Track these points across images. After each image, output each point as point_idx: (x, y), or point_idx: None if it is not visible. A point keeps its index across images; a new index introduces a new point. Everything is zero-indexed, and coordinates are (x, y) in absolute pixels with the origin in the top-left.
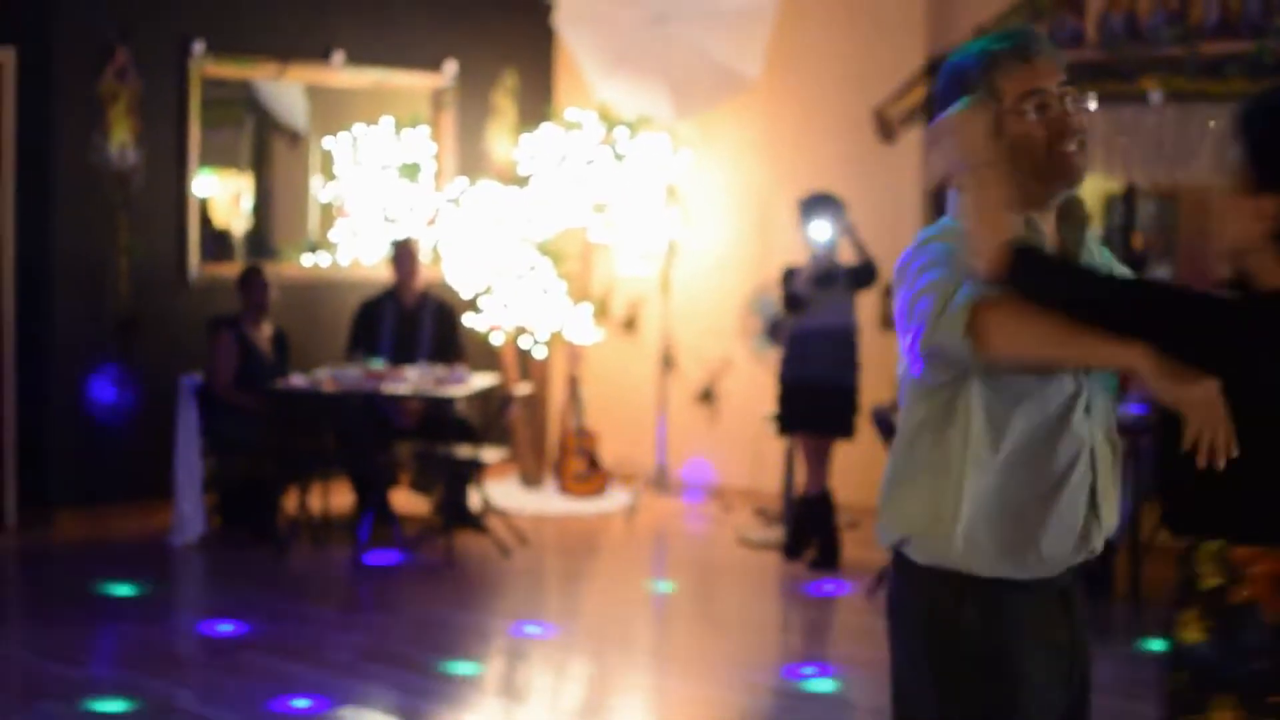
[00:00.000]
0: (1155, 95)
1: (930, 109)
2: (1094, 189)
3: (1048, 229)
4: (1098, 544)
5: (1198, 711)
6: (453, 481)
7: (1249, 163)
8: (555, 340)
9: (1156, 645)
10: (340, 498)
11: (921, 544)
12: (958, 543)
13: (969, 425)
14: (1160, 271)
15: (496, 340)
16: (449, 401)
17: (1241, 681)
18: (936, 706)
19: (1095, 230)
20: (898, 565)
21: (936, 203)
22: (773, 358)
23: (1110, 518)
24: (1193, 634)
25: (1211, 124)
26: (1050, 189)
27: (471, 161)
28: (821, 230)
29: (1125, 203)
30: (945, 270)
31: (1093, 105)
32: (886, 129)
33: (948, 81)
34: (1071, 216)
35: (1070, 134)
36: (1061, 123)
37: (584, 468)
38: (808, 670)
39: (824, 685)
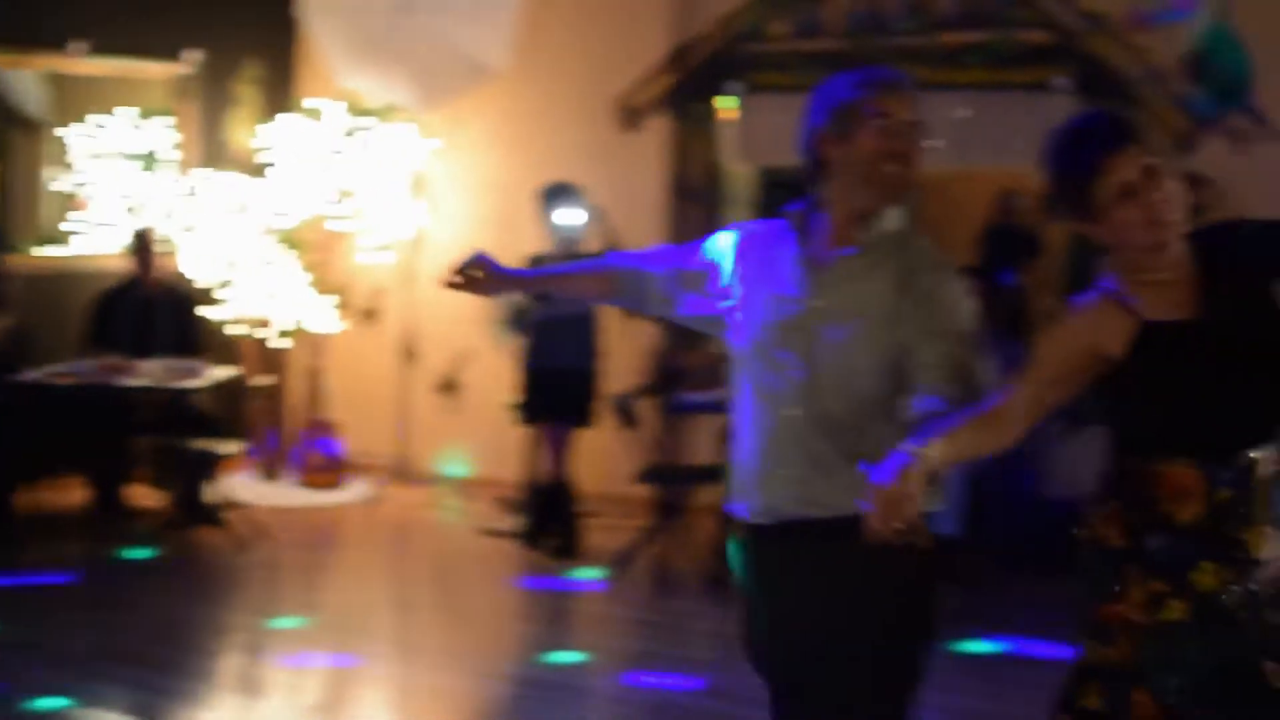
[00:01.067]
0: None
1: (679, 100)
2: None
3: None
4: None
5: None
6: (191, 475)
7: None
8: (296, 331)
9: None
10: (76, 493)
11: None
12: None
13: None
14: None
15: (236, 332)
16: (187, 394)
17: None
18: None
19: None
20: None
21: (679, 192)
22: (515, 347)
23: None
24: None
25: (963, 113)
26: (872, 198)
27: (214, 151)
28: (570, 217)
29: None
30: None
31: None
32: (630, 118)
33: (824, 104)
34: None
35: (897, 157)
36: (894, 145)
37: (323, 459)
38: (549, 658)
39: (565, 673)
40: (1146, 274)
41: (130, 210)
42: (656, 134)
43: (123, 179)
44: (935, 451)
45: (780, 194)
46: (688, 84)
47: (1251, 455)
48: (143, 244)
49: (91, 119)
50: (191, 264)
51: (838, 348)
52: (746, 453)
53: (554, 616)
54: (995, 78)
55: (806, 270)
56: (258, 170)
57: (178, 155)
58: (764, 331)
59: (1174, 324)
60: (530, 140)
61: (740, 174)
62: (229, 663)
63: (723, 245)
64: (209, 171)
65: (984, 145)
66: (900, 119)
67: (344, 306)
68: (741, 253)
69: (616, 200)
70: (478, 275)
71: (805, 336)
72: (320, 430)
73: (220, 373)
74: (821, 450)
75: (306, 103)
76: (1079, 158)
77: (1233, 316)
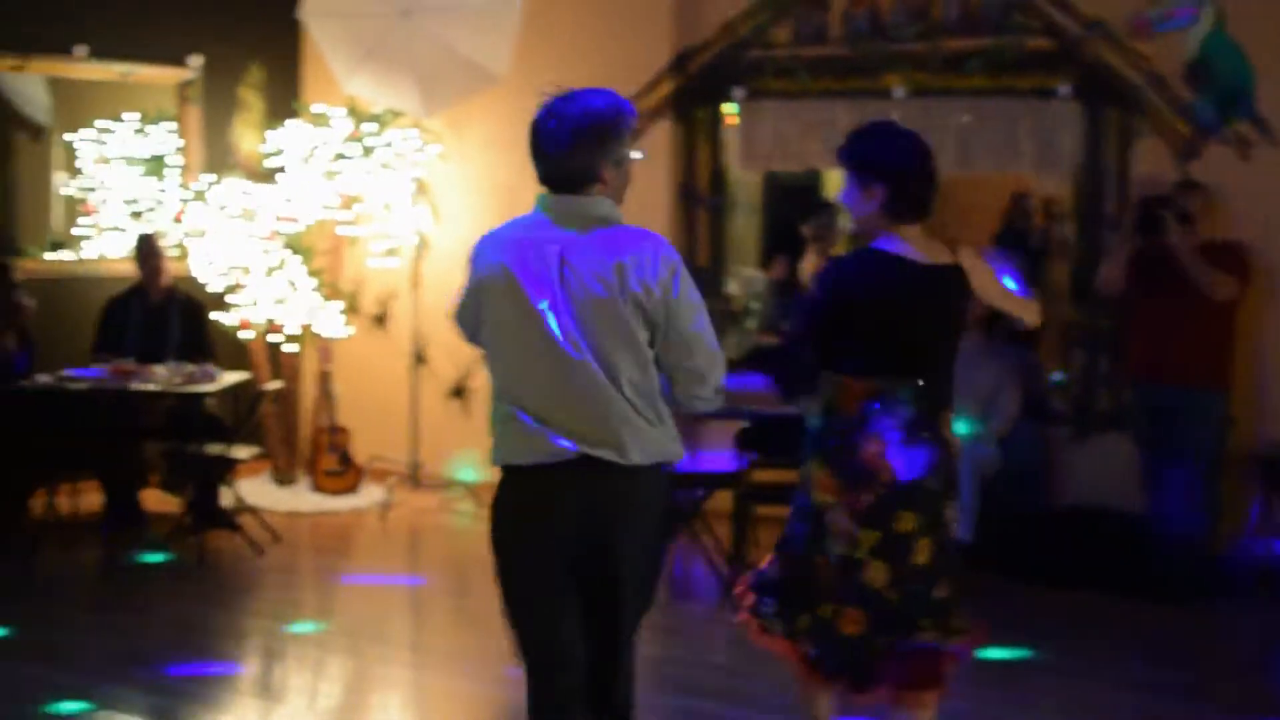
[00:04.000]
0: (899, 91)
1: (683, 105)
2: (837, 183)
3: None
4: None
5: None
6: (204, 480)
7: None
8: (306, 336)
9: None
10: (89, 498)
11: None
12: None
13: None
14: None
15: (246, 336)
16: (198, 399)
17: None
18: None
19: None
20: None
21: (685, 198)
22: None
23: None
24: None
25: (965, 119)
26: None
27: (218, 156)
28: None
29: None
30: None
31: (637, 155)
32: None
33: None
34: None
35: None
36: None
37: (336, 464)
38: None
39: None
40: None
41: (137, 215)
42: (660, 139)
43: (129, 184)
44: None
45: (783, 198)
46: (691, 89)
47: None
48: (149, 249)
49: (96, 124)
50: (200, 269)
51: None
52: None
53: None
54: (997, 84)
55: None
56: (263, 175)
57: (181, 160)
58: None
59: None
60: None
61: (744, 179)
62: (246, 667)
63: None
64: (214, 176)
65: (986, 151)
66: None
67: (352, 311)
68: None
69: (621, 205)
70: None
71: None
72: (333, 436)
73: (231, 377)
74: None
75: (310, 108)
76: None
77: None
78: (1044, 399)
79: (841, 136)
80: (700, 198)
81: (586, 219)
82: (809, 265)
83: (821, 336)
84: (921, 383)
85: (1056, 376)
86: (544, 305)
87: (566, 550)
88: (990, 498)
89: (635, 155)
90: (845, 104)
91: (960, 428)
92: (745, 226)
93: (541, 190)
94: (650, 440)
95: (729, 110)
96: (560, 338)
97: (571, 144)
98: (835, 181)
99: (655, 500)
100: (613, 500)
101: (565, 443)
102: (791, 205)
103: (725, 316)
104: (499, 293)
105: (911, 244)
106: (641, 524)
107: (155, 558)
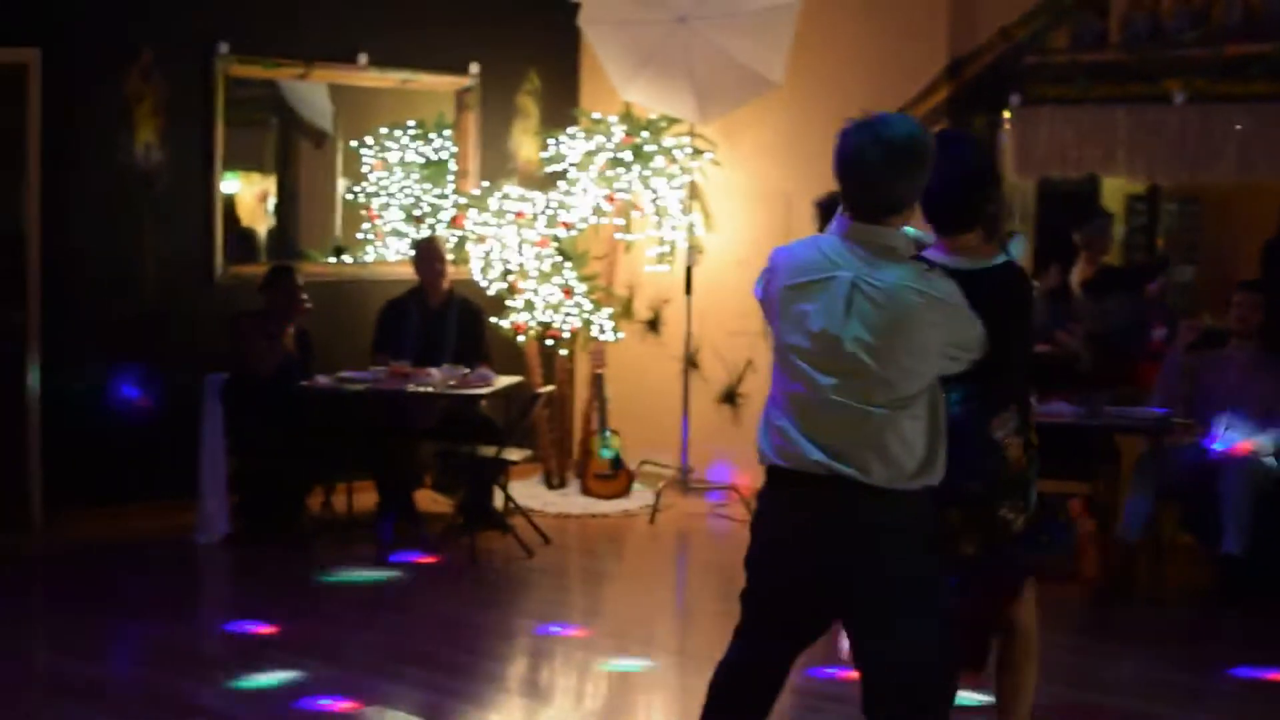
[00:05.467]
0: (1178, 96)
1: (957, 112)
2: (1117, 189)
3: None
4: None
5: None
6: (476, 481)
7: None
8: (579, 340)
9: None
10: (364, 498)
11: None
12: None
13: None
14: (1182, 272)
15: (520, 340)
16: (473, 401)
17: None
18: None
19: None
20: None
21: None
22: None
23: None
24: None
25: (1238, 127)
26: None
27: (495, 162)
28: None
29: (1148, 204)
30: None
31: None
32: None
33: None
34: None
35: None
36: None
37: (607, 468)
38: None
39: (846, 685)
40: None
41: (415, 220)
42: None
43: (408, 190)
44: None
45: (1057, 205)
46: (965, 96)
47: None
48: (430, 253)
49: (377, 130)
50: (477, 273)
51: None
52: None
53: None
54: (1278, 89)
55: None
56: (539, 181)
57: (459, 166)
58: None
59: None
60: (806, 151)
61: (1019, 186)
62: (514, 667)
63: None
64: (491, 182)
65: (1267, 159)
66: None
67: (625, 316)
68: None
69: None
70: None
71: None
72: (604, 439)
73: (505, 381)
74: None
75: (587, 114)
76: None
77: None
78: None
79: (1120, 142)
80: None
81: (881, 249)
82: (1081, 273)
83: None
84: (972, 386)
85: None
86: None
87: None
88: (1272, 511)
89: None
90: (1123, 110)
91: (1233, 437)
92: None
93: (813, 199)
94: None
95: (1004, 116)
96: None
97: (891, 172)
98: (1112, 188)
99: (904, 522)
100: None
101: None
102: (1066, 212)
103: None
104: (786, 314)
105: (957, 253)
106: (884, 545)
107: (427, 557)
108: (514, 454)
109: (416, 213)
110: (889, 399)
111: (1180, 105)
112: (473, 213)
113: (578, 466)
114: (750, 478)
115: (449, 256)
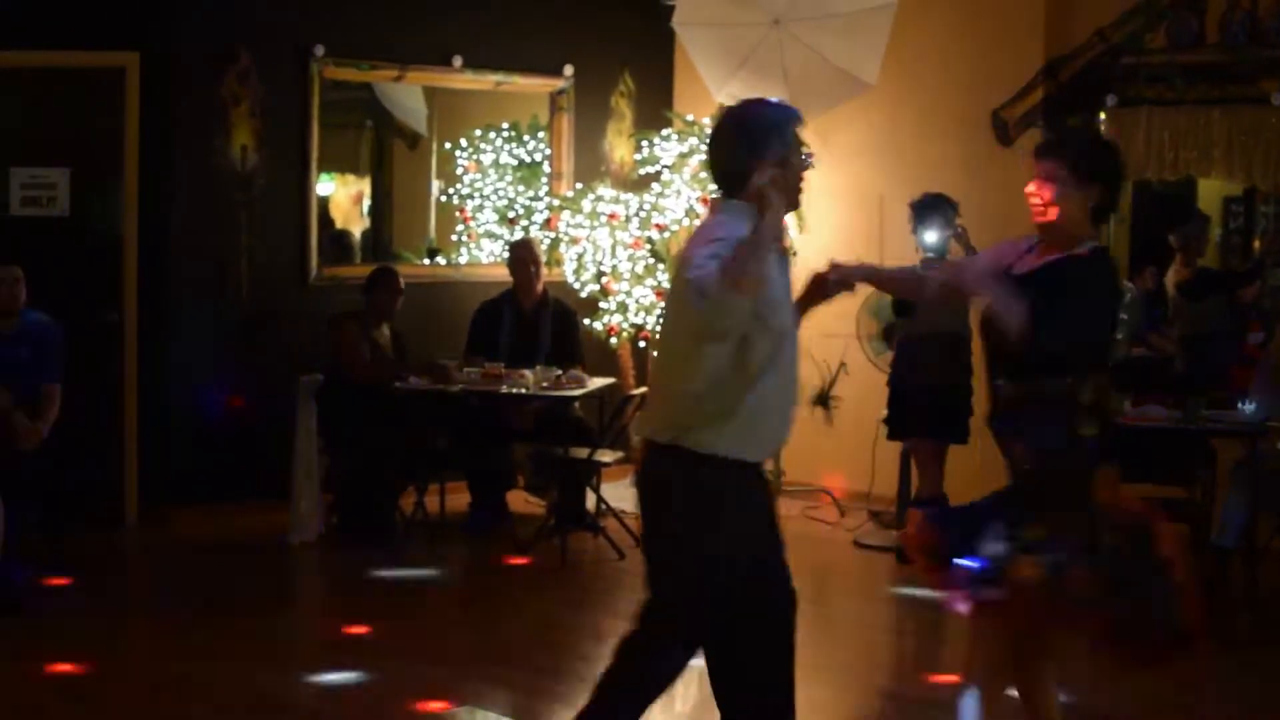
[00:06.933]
0: (1276, 97)
1: (1053, 113)
2: (1213, 191)
3: None
4: None
5: None
6: (568, 483)
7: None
8: None
9: None
10: (457, 498)
11: None
12: None
13: None
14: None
15: (613, 342)
16: (566, 403)
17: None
18: None
19: None
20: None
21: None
22: (886, 362)
23: None
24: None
25: None
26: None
27: (589, 164)
28: (927, 234)
29: (1244, 205)
30: None
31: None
32: (1004, 132)
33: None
34: None
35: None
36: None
37: None
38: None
39: (946, 690)
40: None
41: (509, 222)
42: (1029, 147)
43: (502, 191)
44: None
45: (1153, 207)
46: (1062, 97)
47: None
48: (524, 255)
49: (472, 133)
50: (570, 275)
51: None
52: None
53: (930, 631)
54: None
55: None
56: (633, 183)
57: (552, 168)
58: None
59: None
60: (900, 153)
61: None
62: (605, 667)
63: None
64: (585, 184)
65: None
66: None
67: None
68: None
69: (988, 214)
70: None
71: None
72: None
73: (597, 382)
74: None
75: (681, 116)
76: None
77: None
78: None
79: (1216, 144)
80: None
81: None
82: (1176, 275)
83: None
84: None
85: None
86: None
87: None
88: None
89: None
90: (1220, 111)
91: None
92: (1115, 235)
93: (906, 199)
94: None
95: (1100, 117)
96: None
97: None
98: (1208, 190)
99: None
100: None
101: None
102: (1162, 214)
103: None
104: None
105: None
106: None
107: (519, 558)
108: (606, 456)
109: (510, 215)
110: None
111: (1278, 106)
112: (566, 215)
113: None
114: (843, 480)
115: (543, 259)
